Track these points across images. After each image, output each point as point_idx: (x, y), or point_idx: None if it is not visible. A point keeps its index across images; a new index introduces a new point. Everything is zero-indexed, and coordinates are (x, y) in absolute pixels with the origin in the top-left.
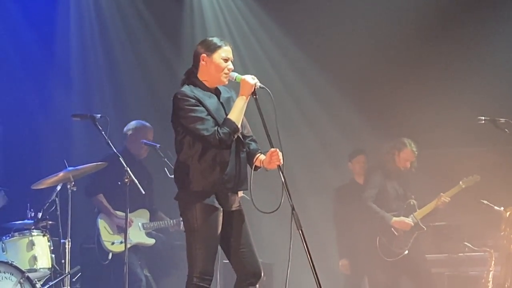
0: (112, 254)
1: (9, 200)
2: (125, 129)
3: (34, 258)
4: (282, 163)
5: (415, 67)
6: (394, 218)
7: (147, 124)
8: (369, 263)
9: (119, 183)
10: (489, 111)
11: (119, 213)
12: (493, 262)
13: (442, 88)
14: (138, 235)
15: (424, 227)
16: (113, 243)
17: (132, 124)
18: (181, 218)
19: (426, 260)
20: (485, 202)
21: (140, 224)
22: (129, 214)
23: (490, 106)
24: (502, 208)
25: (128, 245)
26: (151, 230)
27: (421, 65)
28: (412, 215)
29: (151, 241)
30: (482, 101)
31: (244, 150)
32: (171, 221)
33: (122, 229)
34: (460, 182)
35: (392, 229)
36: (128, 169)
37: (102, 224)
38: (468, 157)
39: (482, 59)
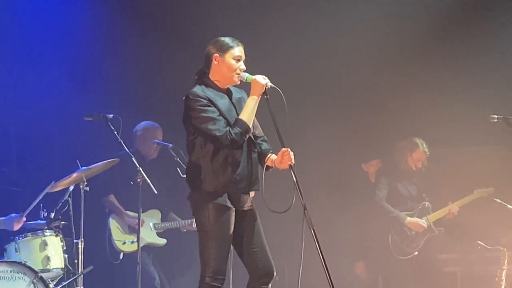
0: (124, 253)
1: (22, 200)
2: (134, 130)
3: (47, 258)
4: (293, 162)
5: (427, 66)
6: (408, 218)
7: (156, 124)
8: (382, 262)
9: (132, 183)
10: (502, 110)
11: (130, 213)
12: (506, 260)
13: (454, 86)
14: (149, 235)
15: (436, 230)
16: (124, 243)
17: (141, 125)
18: (194, 218)
19: (438, 260)
20: (498, 200)
21: (151, 224)
22: (141, 214)
23: (503, 104)
24: None
25: (140, 245)
26: (162, 230)
27: (433, 64)
28: (425, 217)
29: (163, 241)
30: (495, 100)
31: (256, 150)
32: (183, 221)
33: (133, 229)
34: (475, 192)
35: (405, 228)
36: (140, 169)
37: (113, 224)
38: (480, 156)
39: (496, 57)
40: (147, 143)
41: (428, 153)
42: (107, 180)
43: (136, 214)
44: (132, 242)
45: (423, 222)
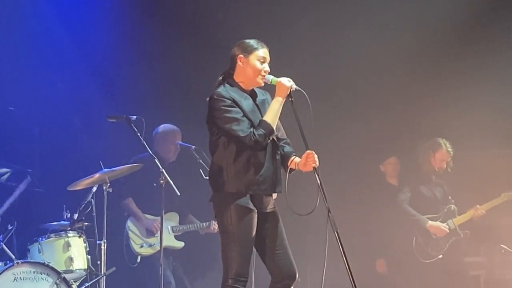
0: (142, 257)
1: (45, 201)
2: (153, 132)
3: (70, 259)
4: (317, 165)
5: (452, 67)
6: (430, 222)
7: (175, 127)
8: (405, 264)
9: (154, 184)
10: None
11: (148, 216)
12: None
13: (481, 89)
14: (167, 238)
15: (461, 233)
16: (142, 246)
17: (160, 128)
18: (215, 220)
19: (463, 263)
20: None
21: (169, 227)
22: (158, 217)
23: None
24: None
25: (157, 248)
26: (181, 233)
27: (459, 65)
28: (451, 220)
29: (180, 244)
30: None
31: (279, 152)
32: (201, 224)
33: (151, 232)
34: (502, 195)
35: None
36: (163, 170)
37: (131, 227)
38: (507, 157)
39: None
40: (166, 146)
41: (452, 153)
42: (126, 183)
43: (154, 217)
44: (150, 246)
45: (444, 226)
